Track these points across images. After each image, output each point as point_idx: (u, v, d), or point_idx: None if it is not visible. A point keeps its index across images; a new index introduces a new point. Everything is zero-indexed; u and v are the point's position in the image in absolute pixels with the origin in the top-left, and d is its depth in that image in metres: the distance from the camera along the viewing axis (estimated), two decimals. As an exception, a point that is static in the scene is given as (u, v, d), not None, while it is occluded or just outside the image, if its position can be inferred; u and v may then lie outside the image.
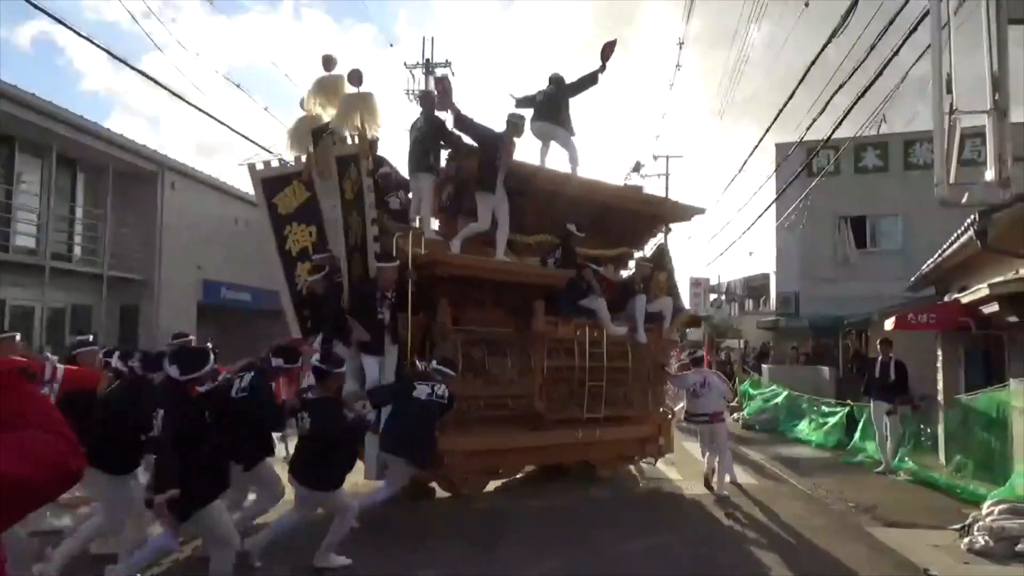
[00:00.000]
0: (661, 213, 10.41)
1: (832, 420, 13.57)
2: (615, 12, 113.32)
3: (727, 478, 9.07)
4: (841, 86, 10.66)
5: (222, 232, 21.52)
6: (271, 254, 8.42)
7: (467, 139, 8.21)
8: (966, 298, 9.73)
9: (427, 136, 8.09)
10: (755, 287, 34.96)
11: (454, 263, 7.70)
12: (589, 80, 8.91)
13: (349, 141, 7.59)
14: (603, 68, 8.88)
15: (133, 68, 22.41)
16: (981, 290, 8.82)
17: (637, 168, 29.41)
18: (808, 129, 13.03)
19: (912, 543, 6.71)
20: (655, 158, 34.73)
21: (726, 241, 50.88)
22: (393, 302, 7.23)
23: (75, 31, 10.15)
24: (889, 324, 11.36)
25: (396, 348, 7.33)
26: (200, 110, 14.84)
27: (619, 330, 9.11)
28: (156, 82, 13.00)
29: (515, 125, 8.31)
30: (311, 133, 7.80)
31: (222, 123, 17.20)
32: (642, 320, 9.37)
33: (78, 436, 1.39)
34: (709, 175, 79.47)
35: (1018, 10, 6.99)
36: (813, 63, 10.50)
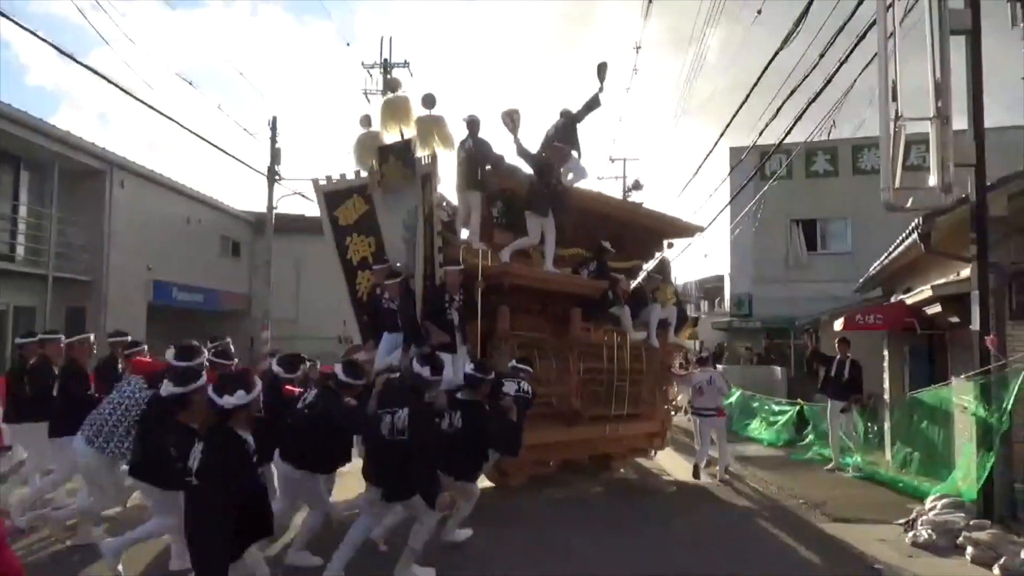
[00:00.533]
0: (667, 229, 11.51)
1: (783, 419, 13.88)
2: (577, 13, 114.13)
3: (727, 464, 10.31)
4: (792, 92, 10.90)
5: (174, 232, 21.08)
6: (333, 263, 9.08)
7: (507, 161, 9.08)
8: (911, 299, 10.03)
9: (475, 157, 8.74)
10: (709, 288, 35.55)
11: (519, 274, 8.55)
12: (593, 103, 9.57)
13: (425, 160, 8.11)
14: (602, 89, 9.61)
15: (81, 64, 21.84)
16: (925, 291, 9.11)
17: (637, 187, 30.54)
18: (761, 134, 13.30)
19: (859, 537, 6.92)
20: (612, 160, 35.18)
21: (681, 244, 51.40)
22: (460, 304, 7.76)
23: (19, 24, 9.85)
24: (838, 325, 11.66)
25: (466, 347, 7.72)
26: (151, 107, 14.50)
27: (639, 335, 9.94)
28: (105, 78, 12.72)
29: (562, 153, 9.28)
30: (379, 150, 8.47)
31: (174, 121, 16.76)
32: (655, 327, 10.26)
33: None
34: (666, 178, 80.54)
35: (959, 21, 7.25)
36: (765, 70, 10.73)
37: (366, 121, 8.68)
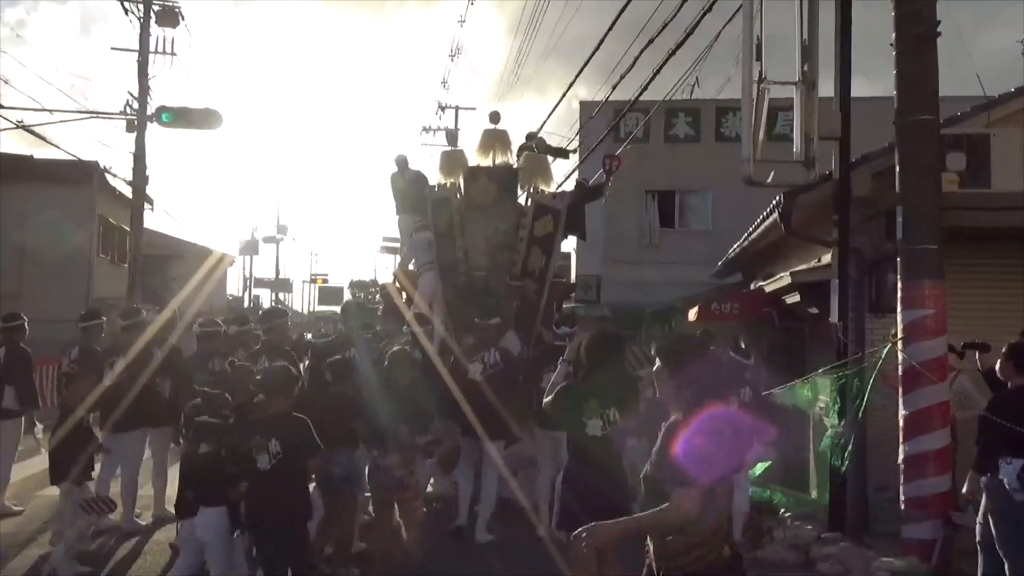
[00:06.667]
0: None
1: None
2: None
3: None
4: (651, 41, 11.43)
5: None
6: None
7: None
8: (770, 287, 10.89)
9: (415, 187, 11.41)
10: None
11: None
12: (596, 193, 11.68)
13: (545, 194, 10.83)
14: (608, 184, 11.66)
15: None
16: (783, 278, 9.93)
17: (452, 139, 30.23)
18: (615, 88, 13.81)
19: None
20: (442, 109, 35.08)
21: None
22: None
23: None
24: (692, 314, 12.45)
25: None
26: None
27: None
28: None
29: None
30: (470, 169, 10.86)
31: None
32: None
33: None
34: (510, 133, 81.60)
35: (829, -24, 7.92)
36: (620, 14, 11.20)
37: (453, 139, 11.94)
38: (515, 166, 11.01)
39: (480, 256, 10.58)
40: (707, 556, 3.23)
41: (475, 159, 11.10)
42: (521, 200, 10.84)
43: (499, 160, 11.04)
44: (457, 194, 10.83)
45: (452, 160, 11.16)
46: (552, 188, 11.11)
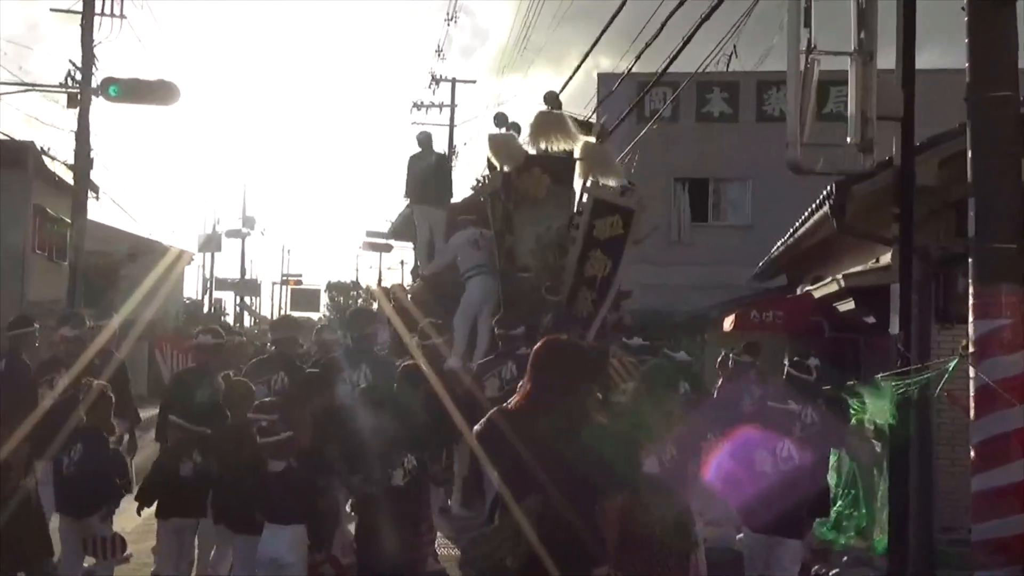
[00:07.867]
0: None
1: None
2: None
3: None
4: (681, 3, 11.43)
5: None
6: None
7: None
8: (819, 292, 10.88)
9: (439, 173, 12.01)
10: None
11: None
12: None
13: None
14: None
15: None
16: (835, 282, 9.92)
17: (510, 124, 30.60)
18: (639, 58, 13.81)
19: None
20: (436, 82, 35.16)
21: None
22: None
23: None
24: (728, 324, 12.44)
25: None
26: None
27: None
28: None
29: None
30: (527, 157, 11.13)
31: None
32: None
33: None
34: (512, 111, 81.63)
35: (889, -70, 7.94)
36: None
37: (503, 121, 11.32)
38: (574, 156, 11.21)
39: (527, 257, 10.79)
40: (493, 555, 3.95)
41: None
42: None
43: (556, 149, 11.16)
44: (507, 185, 10.95)
45: (502, 145, 11.18)
46: (616, 183, 11.19)
